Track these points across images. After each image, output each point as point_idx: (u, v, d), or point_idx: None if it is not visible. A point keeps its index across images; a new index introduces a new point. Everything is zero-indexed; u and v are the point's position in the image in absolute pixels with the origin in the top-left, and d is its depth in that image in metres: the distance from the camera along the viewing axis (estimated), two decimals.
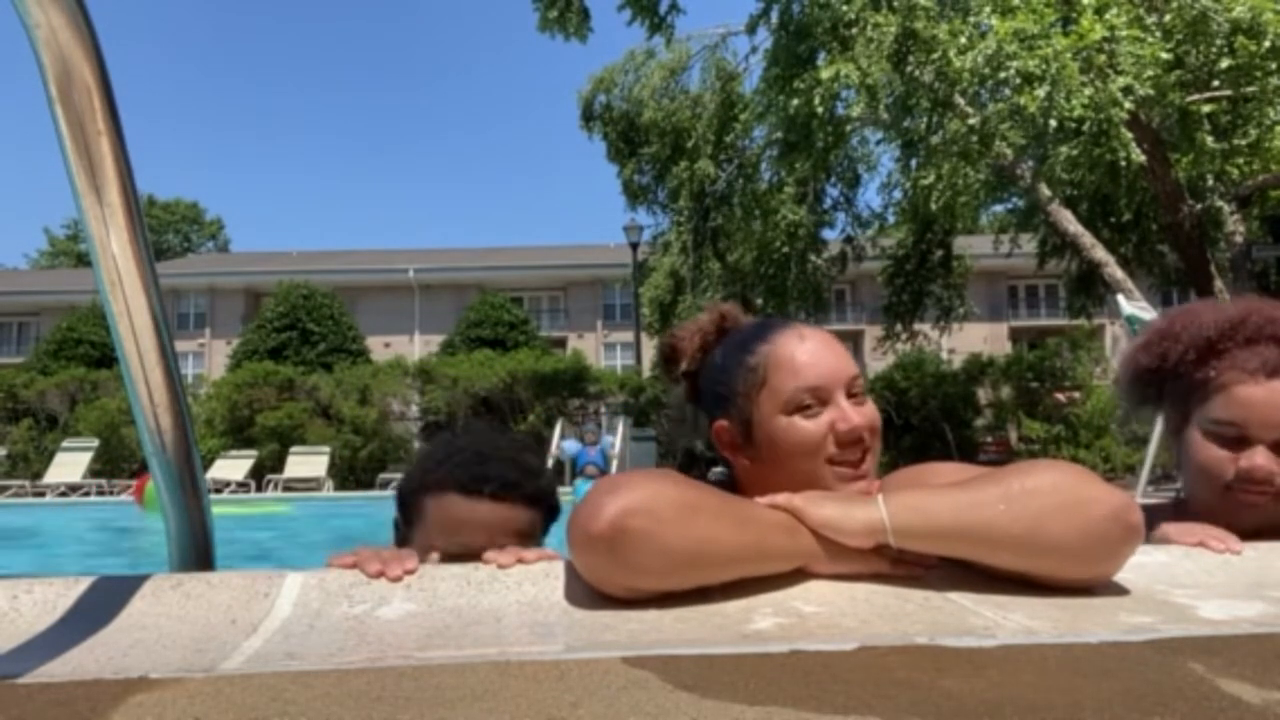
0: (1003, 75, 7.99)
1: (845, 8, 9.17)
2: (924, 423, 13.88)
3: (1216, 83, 8.76)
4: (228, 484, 12.63)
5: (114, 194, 0.83)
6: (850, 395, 1.07)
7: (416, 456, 1.30)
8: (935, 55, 8.50)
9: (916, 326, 16.28)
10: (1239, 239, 11.36)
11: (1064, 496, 0.84)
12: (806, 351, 1.08)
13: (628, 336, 27.21)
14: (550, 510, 1.26)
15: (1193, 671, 0.65)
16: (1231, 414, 1.20)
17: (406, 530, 1.25)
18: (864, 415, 1.06)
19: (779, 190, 13.34)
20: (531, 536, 1.20)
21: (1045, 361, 14.31)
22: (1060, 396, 14.10)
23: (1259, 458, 1.17)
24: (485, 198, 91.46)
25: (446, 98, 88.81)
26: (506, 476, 1.18)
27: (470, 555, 0.99)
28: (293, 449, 13.62)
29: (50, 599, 0.83)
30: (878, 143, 13.90)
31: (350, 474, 14.13)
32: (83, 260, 39.57)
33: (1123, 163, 8.00)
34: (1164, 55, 8.08)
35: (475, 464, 1.19)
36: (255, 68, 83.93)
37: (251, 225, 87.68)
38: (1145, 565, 0.96)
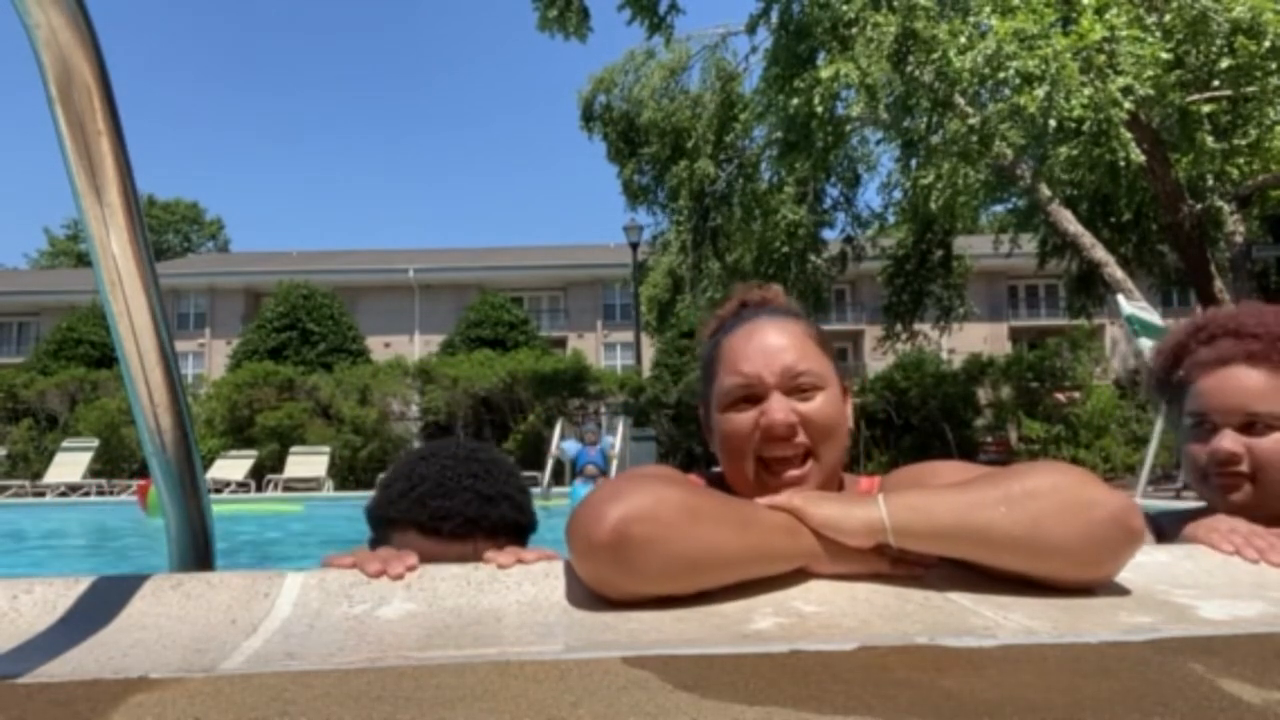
0: (1002, 75, 7.99)
1: (845, 8, 9.16)
2: (924, 423, 13.90)
3: (1216, 83, 8.75)
4: (228, 484, 12.64)
5: (114, 194, 0.83)
6: (796, 391, 1.03)
7: (383, 478, 1.27)
8: (935, 55, 8.49)
9: (916, 326, 16.26)
10: (1239, 239, 11.35)
11: (1064, 499, 0.84)
12: (747, 346, 1.06)
13: (628, 336, 27.23)
14: (524, 529, 1.23)
15: (1193, 671, 0.65)
16: (1195, 405, 1.28)
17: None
18: (789, 411, 1.01)
19: (779, 190, 13.31)
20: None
21: (1045, 361, 14.32)
22: (1060, 396, 14.12)
23: (1224, 441, 1.22)
24: (485, 197, 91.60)
25: (446, 97, 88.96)
26: (466, 513, 1.15)
27: None
28: (293, 449, 13.64)
29: (50, 599, 0.83)
30: (878, 143, 13.89)
31: (350, 474, 14.14)
32: (83, 260, 39.58)
33: (1123, 163, 7.99)
34: (1164, 55, 8.08)
35: (435, 497, 1.15)
36: (255, 67, 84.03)
37: (251, 225, 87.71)
38: (1145, 565, 0.96)
